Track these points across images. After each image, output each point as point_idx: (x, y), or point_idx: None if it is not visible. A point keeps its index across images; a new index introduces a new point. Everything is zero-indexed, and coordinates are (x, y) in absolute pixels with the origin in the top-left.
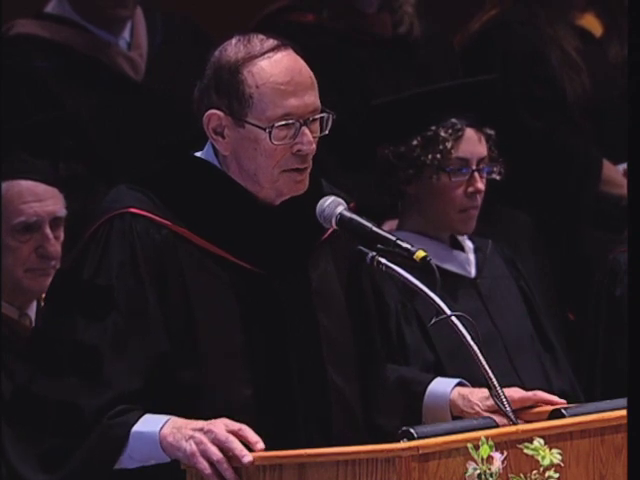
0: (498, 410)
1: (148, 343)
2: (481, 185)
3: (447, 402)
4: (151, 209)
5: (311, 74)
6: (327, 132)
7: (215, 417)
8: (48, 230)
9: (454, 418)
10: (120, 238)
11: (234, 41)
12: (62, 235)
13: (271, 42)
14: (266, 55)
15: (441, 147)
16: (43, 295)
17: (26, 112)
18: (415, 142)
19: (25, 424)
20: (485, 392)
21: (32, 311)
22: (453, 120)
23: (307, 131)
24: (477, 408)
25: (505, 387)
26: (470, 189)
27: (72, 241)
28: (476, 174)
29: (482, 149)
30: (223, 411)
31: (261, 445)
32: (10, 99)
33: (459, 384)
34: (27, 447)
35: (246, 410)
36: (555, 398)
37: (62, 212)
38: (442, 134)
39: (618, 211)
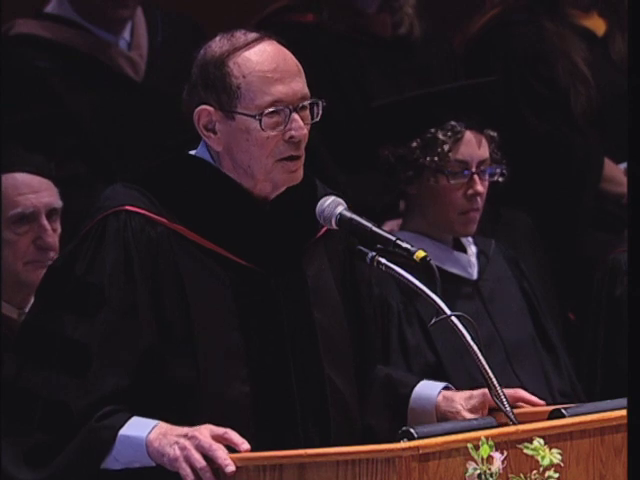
0: (480, 409)
1: (138, 341)
2: (480, 187)
3: (433, 406)
4: (147, 206)
5: (297, 62)
6: (318, 119)
7: (211, 414)
8: (45, 221)
9: (438, 421)
10: (115, 236)
11: (218, 38)
12: (59, 227)
13: (254, 34)
14: (250, 46)
15: (439, 149)
16: None
17: (26, 112)
18: (414, 144)
19: (11, 418)
20: (468, 393)
21: None
22: (452, 123)
23: (297, 117)
24: (459, 407)
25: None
26: (470, 191)
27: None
28: (476, 177)
29: (482, 152)
30: (219, 408)
31: (246, 446)
32: (10, 99)
33: (445, 388)
34: (13, 442)
35: (242, 407)
36: (535, 399)
37: (58, 203)
38: (440, 136)
39: (619, 209)
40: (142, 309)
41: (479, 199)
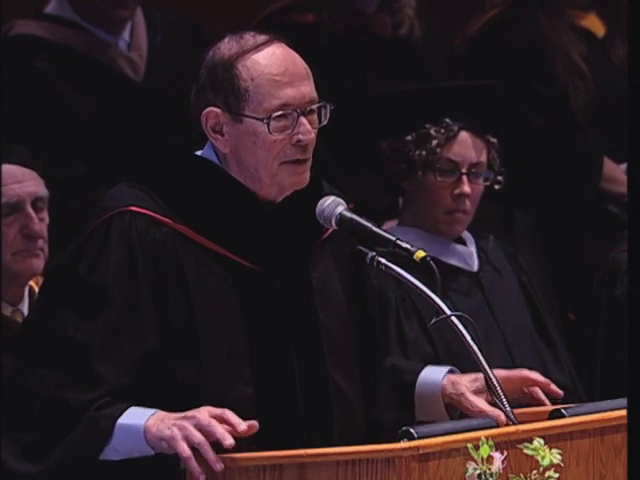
0: (484, 391)
1: (141, 341)
2: (467, 188)
3: (439, 389)
4: (152, 207)
5: (305, 65)
6: (326, 122)
7: None
8: (30, 210)
9: (445, 405)
10: (119, 236)
11: (226, 39)
12: (47, 217)
13: (263, 37)
14: (259, 48)
15: (428, 145)
16: (31, 282)
17: (26, 112)
18: (409, 138)
19: (11, 416)
20: (473, 376)
21: (24, 305)
22: (447, 120)
23: (305, 121)
24: (463, 389)
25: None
26: (456, 191)
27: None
28: (465, 177)
29: (477, 155)
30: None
31: (243, 427)
32: (10, 99)
33: (450, 372)
34: (12, 437)
35: (246, 409)
36: (540, 377)
37: (43, 192)
38: (432, 132)
39: (620, 209)
40: (145, 309)
41: (467, 201)
